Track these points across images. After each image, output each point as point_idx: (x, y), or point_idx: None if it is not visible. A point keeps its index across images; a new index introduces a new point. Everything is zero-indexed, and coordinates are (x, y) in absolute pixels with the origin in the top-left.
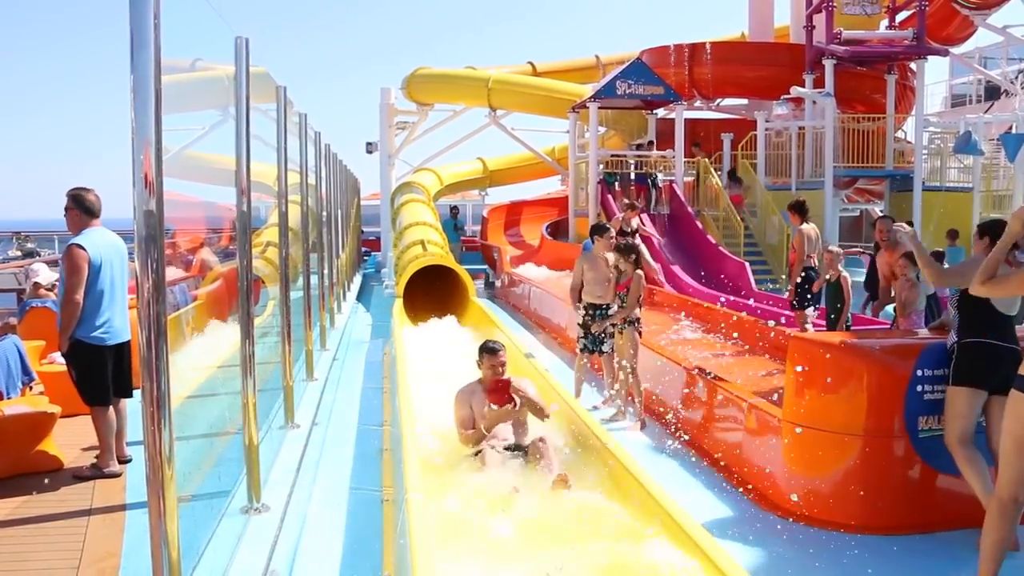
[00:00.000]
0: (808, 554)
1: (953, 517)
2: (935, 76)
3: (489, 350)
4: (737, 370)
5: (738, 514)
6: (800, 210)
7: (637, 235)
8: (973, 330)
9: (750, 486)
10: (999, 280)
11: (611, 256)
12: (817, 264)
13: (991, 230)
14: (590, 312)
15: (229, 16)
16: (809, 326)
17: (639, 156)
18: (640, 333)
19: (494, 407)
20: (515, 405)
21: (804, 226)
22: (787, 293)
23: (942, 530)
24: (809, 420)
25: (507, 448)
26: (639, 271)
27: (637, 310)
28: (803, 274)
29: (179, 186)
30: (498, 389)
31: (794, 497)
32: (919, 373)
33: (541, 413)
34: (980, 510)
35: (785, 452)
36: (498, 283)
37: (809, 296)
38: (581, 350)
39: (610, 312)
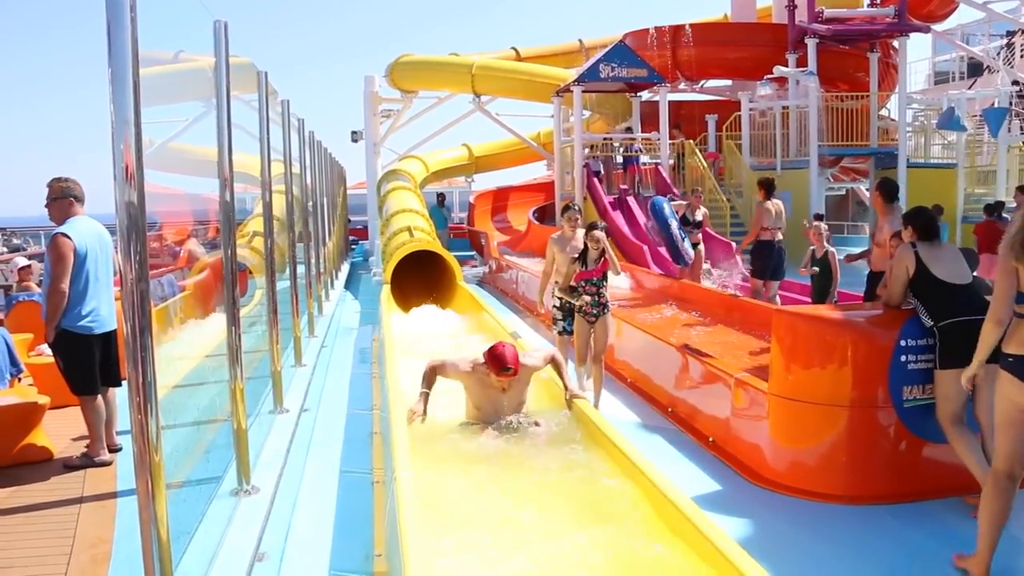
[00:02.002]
0: (797, 525)
1: (939, 485)
2: (918, 53)
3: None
4: (724, 347)
5: (727, 488)
6: (767, 186)
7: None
8: (946, 312)
9: (738, 459)
10: (891, 291)
11: (579, 233)
12: (778, 239)
13: (914, 220)
14: (570, 295)
15: (211, 7)
16: (777, 299)
17: (625, 139)
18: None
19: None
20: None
21: (767, 202)
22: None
23: (929, 498)
24: (795, 393)
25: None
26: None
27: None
28: (761, 246)
29: (165, 178)
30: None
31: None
32: (903, 343)
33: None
34: (966, 478)
35: (772, 425)
36: (485, 269)
37: (765, 266)
38: (560, 333)
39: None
